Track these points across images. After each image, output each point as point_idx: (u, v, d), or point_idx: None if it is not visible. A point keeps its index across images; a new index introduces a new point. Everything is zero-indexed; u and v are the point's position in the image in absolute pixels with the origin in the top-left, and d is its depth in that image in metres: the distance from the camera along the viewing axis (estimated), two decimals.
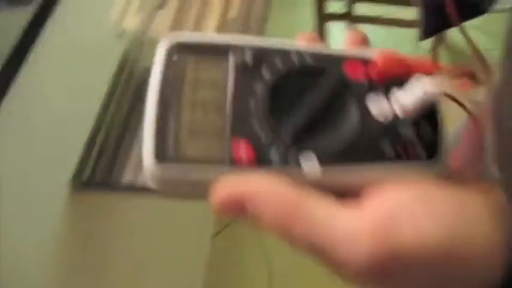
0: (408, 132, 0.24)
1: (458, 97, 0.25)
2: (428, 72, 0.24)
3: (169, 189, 0.23)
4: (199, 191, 0.23)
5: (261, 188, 0.22)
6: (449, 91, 0.23)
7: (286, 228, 0.22)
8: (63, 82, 0.75)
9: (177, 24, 0.92)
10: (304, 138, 0.23)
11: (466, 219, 0.22)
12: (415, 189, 0.23)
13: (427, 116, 0.24)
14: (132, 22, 0.93)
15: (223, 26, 0.92)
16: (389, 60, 0.24)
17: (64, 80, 0.75)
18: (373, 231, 0.21)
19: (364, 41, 0.27)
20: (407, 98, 0.24)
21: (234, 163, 0.22)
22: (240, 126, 0.23)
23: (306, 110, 0.24)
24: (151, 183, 0.23)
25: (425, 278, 0.22)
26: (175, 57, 0.24)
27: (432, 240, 0.21)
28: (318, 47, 0.25)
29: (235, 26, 0.93)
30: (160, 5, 0.95)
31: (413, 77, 0.24)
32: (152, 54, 0.24)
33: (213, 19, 0.93)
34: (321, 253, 0.22)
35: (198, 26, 0.92)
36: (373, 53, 0.25)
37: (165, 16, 0.94)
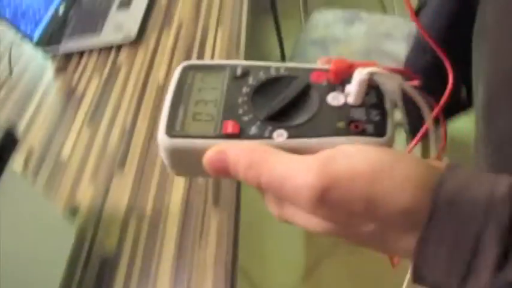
0: (359, 114, 0.31)
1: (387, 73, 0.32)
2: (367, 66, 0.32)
3: (175, 160, 0.33)
4: (198, 162, 0.31)
5: (239, 147, 0.31)
6: (378, 72, 0.31)
7: (256, 173, 0.30)
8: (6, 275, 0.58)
9: (136, 192, 0.79)
10: (277, 120, 0.32)
11: (394, 166, 0.28)
12: (357, 145, 0.30)
13: (376, 102, 0.32)
14: (85, 194, 0.80)
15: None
16: (339, 65, 0.33)
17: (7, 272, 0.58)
18: (318, 165, 0.28)
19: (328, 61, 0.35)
20: (350, 86, 0.32)
21: (223, 136, 0.31)
22: (229, 112, 0.32)
23: (280, 102, 0.32)
24: (162, 155, 0.33)
25: (357, 206, 0.28)
26: (187, 73, 0.35)
27: (361, 169, 0.28)
28: (291, 64, 0.35)
29: None
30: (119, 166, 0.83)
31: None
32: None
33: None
34: (280, 190, 0.29)
35: (162, 186, 0.79)
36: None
37: (123, 183, 0.81)
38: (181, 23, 1.14)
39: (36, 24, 1.15)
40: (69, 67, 1.11)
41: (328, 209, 0.28)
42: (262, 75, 0.34)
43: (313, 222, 0.30)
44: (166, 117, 0.32)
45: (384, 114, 0.31)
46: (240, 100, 0.33)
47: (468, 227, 0.26)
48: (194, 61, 0.38)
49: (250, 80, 0.34)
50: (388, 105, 0.32)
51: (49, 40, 1.16)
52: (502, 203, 0.26)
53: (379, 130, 0.31)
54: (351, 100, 0.32)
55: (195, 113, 0.32)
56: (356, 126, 0.31)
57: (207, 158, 0.30)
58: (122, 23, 1.15)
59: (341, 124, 0.31)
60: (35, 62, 1.15)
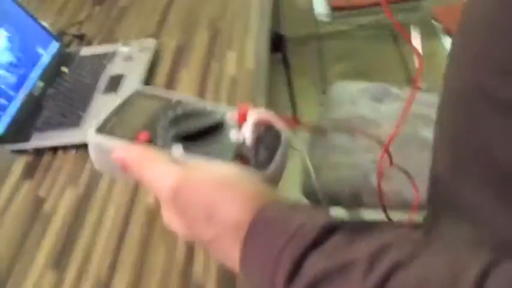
0: (247, 151, 0.37)
1: (271, 120, 0.39)
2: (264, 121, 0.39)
3: (98, 156, 0.40)
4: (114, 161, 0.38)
5: (135, 149, 0.37)
6: (263, 120, 0.38)
7: (140, 170, 0.36)
8: None
9: None
10: (183, 140, 0.38)
11: (238, 182, 0.34)
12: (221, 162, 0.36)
13: (267, 142, 0.39)
14: None
15: None
16: (241, 110, 0.40)
17: None
18: (179, 170, 0.34)
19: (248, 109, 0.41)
20: (245, 127, 0.38)
21: (135, 141, 0.38)
22: (149, 126, 0.39)
23: (190, 127, 0.39)
24: (90, 151, 0.40)
25: (199, 210, 0.33)
26: (137, 94, 0.43)
27: (210, 178, 0.34)
28: (215, 104, 0.42)
29: None
30: None
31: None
32: None
33: None
34: (151, 186, 0.35)
35: None
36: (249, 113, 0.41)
37: None
38: None
39: (3, 110, 0.94)
40: (39, 169, 0.88)
41: (179, 208, 0.34)
42: (188, 108, 0.41)
43: (175, 224, 0.36)
44: (103, 119, 0.40)
45: (271, 154, 0.38)
46: (162, 120, 0.39)
47: (273, 248, 0.30)
48: (146, 87, 0.44)
49: (179, 110, 0.40)
50: (280, 144, 0.39)
51: (17, 133, 0.94)
52: (307, 232, 0.29)
53: (261, 166, 0.37)
54: (246, 138, 0.38)
55: (125, 121, 0.40)
56: (242, 159, 0.37)
57: (115, 153, 0.37)
58: None
59: (230, 155, 0.37)
60: None
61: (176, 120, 0.39)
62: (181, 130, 0.38)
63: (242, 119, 0.39)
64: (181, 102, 0.41)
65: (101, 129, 0.39)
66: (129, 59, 1.06)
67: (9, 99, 0.96)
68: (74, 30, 1.26)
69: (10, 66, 0.99)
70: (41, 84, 1.05)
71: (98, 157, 0.39)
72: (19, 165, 0.90)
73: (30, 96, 1.00)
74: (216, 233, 0.33)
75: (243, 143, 0.37)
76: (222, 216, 0.32)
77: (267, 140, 0.38)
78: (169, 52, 1.10)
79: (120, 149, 0.37)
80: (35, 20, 1.12)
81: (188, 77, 1.01)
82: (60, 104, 0.99)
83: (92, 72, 1.06)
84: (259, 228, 0.31)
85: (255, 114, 0.38)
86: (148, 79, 1.02)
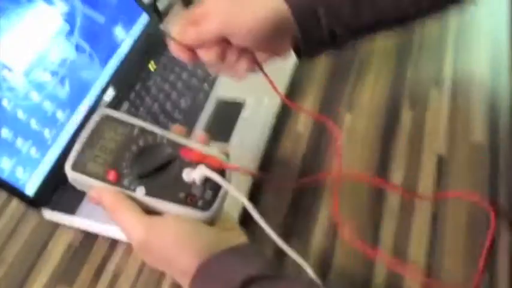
0: (196, 191, 0.42)
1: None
2: (214, 165, 0.43)
3: (75, 183, 0.44)
4: (89, 190, 0.43)
5: (109, 193, 0.42)
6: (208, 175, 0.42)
7: (113, 216, 0.42)
8: None
9: None
10: (144, 177, 0.42)
11: (191, 236, 0.42)
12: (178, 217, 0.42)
13: (214, 184, 0.42)
14: None
15: None
16: (194, 155, 0.43)
17: None
18: (143, 227, 0.41)
19: (206, 141, 0.46)
20: (196, 171, 0.42)
21: (105, 180, 0.42)
22: (117, 163, 0.43)
23: (150, 164, 0.43)
24: (68, 178, 0.44)
25: (161, 257, 0.42)
26: (105, 120, 0.45)
27: (168, 235, 0.41)
28: (174, 136, 0.45)
29: None
30: None
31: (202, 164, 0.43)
32: None
33: None
34: (123, 231, 0.43)
35: None
36: (202, 149, 0.44)
37: None
38: None
39: (43, 150, 0.61)
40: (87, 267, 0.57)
41: (145, 253, 0.43)
42: (149, 140, 0.44)
43: (145, 259, 0.45)
44: (76, 153, 0.44)
45: (214, 196, 0.43)
46: (127, 155, 0.43)
47: None
48: (112, 111, 0.46)
49: (140, 142, 0.44)
50: (222, 188, 0.43)
51: (61, 197, 0.61)
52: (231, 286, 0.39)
53: (206, 206, 0.42)
54: (196, 178, 0.42)
55: (95, 156, 0.43)
56: (191, 200, 0.42)
57: (90, 195, 0.43)
58: None
59: (182, 195, 0.42)
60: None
61: (138, 156, 0.44)
62: (142, 169, 0.43)
63: (195, 159, 0.43)
64: (143, 133, 0.45)
65: (75, 166, 0.43)
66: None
67: (56, 125, 0.63)
68: None
69: (64, 68, 0.65)
70: (111, 93, 0.70)
71: (76, 184, 0.45)
72: (57, 250, 0.60)
73: (91, 113, 0.65)
74: (174, 274, 0.43)
75: (193, 182, 0.42)
76: (177, 266, 0.41)
77: (212, 181, 0.43)
78: None
79: (94, 192, 0.43)
80: None
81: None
82: None
83: (193, 76, 0.68)
84: (199, 279, 0.40)
85: (207, 160, 0.43)
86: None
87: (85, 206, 0.59)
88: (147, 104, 0.67)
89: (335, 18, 0.49)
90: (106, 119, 0.45)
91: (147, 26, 0.75)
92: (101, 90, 0.68)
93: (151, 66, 0.72)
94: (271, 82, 0.51)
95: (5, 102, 0.58)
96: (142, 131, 0.45)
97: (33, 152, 0.60)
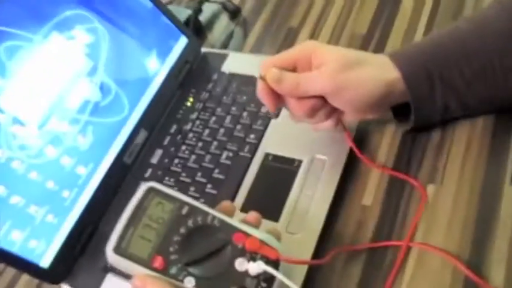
0: (250, 284, 0.39)
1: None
2: (271, 256, 0.39)
3: (116, 266, 0.40)
4: (132, 274, 0.39)
5: (155, 283, 0.38)
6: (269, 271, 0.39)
7: None
8: None
9: None
10: (194, 265, 0.39)
11: None
12: None
13: (268, 276, 0.39)
14: None
15: None
16: (251, 245, 0.40)
17: None
18: None
19: (258, 221, 0.43)
20: (253, 265, 0.39)
21: (151, 268, 0.39)
22: (163, 247, 0.39)
23: (200, 251, 0.39)
24: (109, 261, 0.40)
25: None
26: (148, 194, 0.41)
27: None
28: (227, 218, 0.41)
29: None
30: None
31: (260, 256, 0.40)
32: None
33: None
34: None
35: None
36: (256, 233, 0.41)
37: None
38: None
39: (61, 216, 0.51)
40: None
41: None
42: (199, 221, 0.40)
43: None
44: (119, 233, 0.39)
45: (268, 285, 0.39)
46: (175, 238, 0.40)
47: None
48: (157, 185, 0.42)
49: (189, 222, 0.40)
50: (276, 279, 0.39)
51: (81, 270, 0.52)
52: None
53: None
54: (250, 270, 0.39)
55: (139, 236, 0.40)
56: None
57: (133, 283, 0.39)
58: None
59: (234, 285, 0.39)
60: None
61: (187, 240, 0.40)
62: (192, 256, 0.39)
63: (251, 248, 0.40)
64: (192, 211, 0.41)
65: (118, 249, 0.39)
66: None
67: (76, 184, 0.54)
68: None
69: (85, 114, 0.55)
70: (143, 134, 0.59)
71: (117, 267, 0.41)
72: None
73: (116, 166, 0.56)
74: None
75: (246, 274, 0.39)
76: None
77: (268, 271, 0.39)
78: None
79: (138, 279, 0.39)
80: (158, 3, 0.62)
81: None
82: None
83: (238, 123, 0.57)
84: None
85: (263, 250, 0.40)
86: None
87: (110, 280, 0.50)
88: (183, 155, 0.57)
89: (450, 89, 0.47)
90: (152, 193, 0.41)
91: (185, 51, 0.64)
92: (129, 135, 0.58)
93: (190, 102, 0.61)
94: (353, 143, 0.51)
95: (16, 164, 0.49)
96: (192, 209, 0.41)
97: (50, 218, 0.51)
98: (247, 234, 0.40)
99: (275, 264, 0.40)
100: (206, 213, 0.41)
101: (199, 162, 0.55)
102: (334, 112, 0.49)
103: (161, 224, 0.40)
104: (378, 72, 0.46)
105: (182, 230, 0.40)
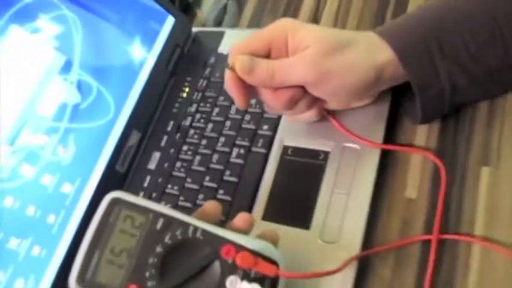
0: None
1: None
2: (266, 272, 0.33)
3: None
4: None
5: None
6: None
7: None
8: None
9: None
10: None
11: None
12: None
13: None
14: None
15: None
16: (245, 261, 0.33)
17: None
18: None
19: (249, 224, 0.36)
20: (246, 285, 0.33)
21: None
22: (137, 273, 0.32)
23: (184, 273, 0.33)
24: None
25: None
26: (113, 208, 0.33)
27: None
28: (210, 227, 0.34)
29: None
30: None
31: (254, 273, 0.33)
32: None
33: None
34: None
35: None
36: (248, 243, 0.34)
37: None
38: None
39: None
40: None
41: None
42: (178, 235, 0.33)
43: None
44: (81, 261, 0.32)
45: None
46: (150, 260, 0.33)
47: None
48: (123, 194, 0.34)
49: (166, 238, 0.33)
50: None
51: None
52: None
53: None
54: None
55: (108, 261, 0.32)
56: None
57: None
58: None
59: None
60: None
61: (167, 261, 0.33)
62: (174, 280, 0.33)
63: (242, 263, 0.33)
64: (169, 224, 0.34)
65: (82, 280, 0.32)
66: None
67: (63, 205, 0.45)
68: None
69: (63, 120, 0.45)
70: (135, 136, 0.51)
71: None
72: None
73: (108, 177, 0.48)
74: None
75: None
76: None
77: None
78: None
79: None
80: None
81: None
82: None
83: (246, 112, 0.49)
84: None
85: (259, 266, 0.33)
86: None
87: None
88: (186, 157, 0.48)
89: (455, 64, 0.39)
90: (117, 205, 0.34)
91: (174, 33, 0.55)
92: (119, 139, 0.49)
93: (186, 93, 0.52)
94: (343, 128, 0.44)
95: None
96: (168, 220, 0.34)
97: (36, 251, 0.43)
98: (238, 246, 0.33)
99: (274, 282, 0.33)
100: (186, 225, 0.34)
101: (205, 163, 0.47)
102: (316, 101, 0.42)
103: (133, 244, 0.33)
104: (367, 54, 0.39)
105: (159, 249, 0.33)
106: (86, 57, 0.47)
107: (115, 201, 0.34)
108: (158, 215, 0.34)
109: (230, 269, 0.33)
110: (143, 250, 0.33)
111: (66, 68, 0.46)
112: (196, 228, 0.34)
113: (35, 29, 0.44)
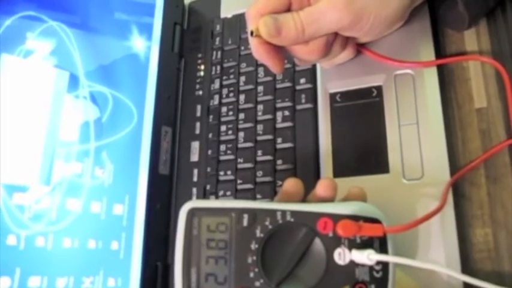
0: (363, 274, 0.30)
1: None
2: (373, 233, 0.30)
3: None
4: None
5: None
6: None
7: None
8: None
9: None
10: (287, 284, 0.30)
11: None
12: None
13: (379, 258, 0.29)
14: None
15: None
16: (347, 229, 0.30)
17: None
18: None
19: (334, 189, 0.32)
20: (357, 254, 0.30)
21: None
22: (241, 277, 0.30)
23: (289, 262, 0.30)
24: None
25: None
26: (192, 219, 0.31)
27: None
28: (297, 205, 0.31)
29: None
30: None
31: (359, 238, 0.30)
32: None
33: None
34: None
35: None
36: (342, 209, 0.30)
37: None
38: None
39: None
40: None
41: None
42: (268, 225, 0.31)
43: None
44: (180, 281, 0.31)
45: (385, 271, 0.30)
46: (249, 260, 0.31)
47: None
48: (196, 202, 0.32)
49: (258, 232, 0.31)
50: (390, 261, 0.30)
51: None
52: None
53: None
54: (356, 259, 0.30)
55: (207, 275, 0.31)
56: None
57: None
58: None
59: (346, 286, 0.30)
60: None
61: (265, 255, 0.31)
62: (279, 274, 0.30)
63: (344, 233, 0.30)
64: (255, 216, 0.31)
65: None
66: None
67: (121, 225, 0.41)
68: None
69: (89, 140, 0.41)
70: (167, 132, 0.46)
71: None
72: None
73: (155, 183, 0.44)
74: None
75: (353, 264, 0.30)
76: None
77: (376, 251, 0.30)
78: None
79: None
80: None
81: None
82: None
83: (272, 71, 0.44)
84: None
85: (363, 230, 0.30)
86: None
87: None
88: (227, 137, 0.44)
89: None
90: (196, 216, 0.32)
91: (168, 11, 0.49)
92: (152, 140, 0.45)
93: (202, 71, 0.48)
94: (384, 58, 0.40)
95: (40, 242, 0.37)
96: (253, 213, 0.32)
97: (112, 282, 0.40)
98: (333, 217, 0.31)
99: (382, 242, 0.30)
100: (272, 212, 0.31)
101: (251, 138, 0.43)
102: (348, 39, 0.39)
103: (223, 249, 0.32)
104: None
105: (254, 246, 0.31)
106: (89, 66, 0.42)
107: (192, 213, 0.32)
108: (240, 211, 0.32)
109: (333, 242, 0.30)
110: (238, 252, 0.31)
111: (73, 83, 0.41)
112: (284, 212, 0.31)
113: (27, 52, 0.39)
